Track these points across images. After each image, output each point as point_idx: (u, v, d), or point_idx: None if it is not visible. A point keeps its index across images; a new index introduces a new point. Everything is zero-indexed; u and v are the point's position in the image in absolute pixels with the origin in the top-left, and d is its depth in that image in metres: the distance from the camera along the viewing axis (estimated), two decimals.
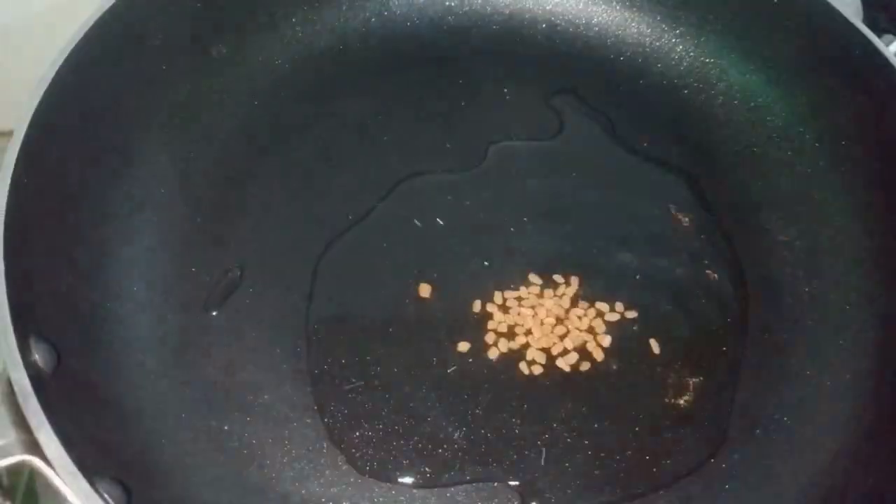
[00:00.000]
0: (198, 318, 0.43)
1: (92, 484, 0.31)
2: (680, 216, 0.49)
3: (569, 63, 0.54)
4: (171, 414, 0.40)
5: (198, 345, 0.42)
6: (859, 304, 0.44)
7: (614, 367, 0.43)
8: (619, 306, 0.45)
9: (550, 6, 0.55)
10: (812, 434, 0.41)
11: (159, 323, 0.42)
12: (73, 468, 0.31)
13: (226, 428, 0.40)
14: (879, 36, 0.48)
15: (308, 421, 0.41)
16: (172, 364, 0.41)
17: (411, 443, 0.40)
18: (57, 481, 0.30)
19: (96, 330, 0.40)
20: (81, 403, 0.36)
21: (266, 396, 0.41)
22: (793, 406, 0.42)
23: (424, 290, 0.45)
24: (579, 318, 0.45)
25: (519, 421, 0.41)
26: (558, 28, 0.54)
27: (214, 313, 0.43)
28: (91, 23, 0.42)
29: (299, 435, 0.40)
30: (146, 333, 0.42)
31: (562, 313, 0.45)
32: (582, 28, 0.54)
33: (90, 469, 0.32)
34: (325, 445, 0.40)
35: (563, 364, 0.43)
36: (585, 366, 0.43)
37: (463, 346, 0.43)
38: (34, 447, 0.31)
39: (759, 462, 0.40)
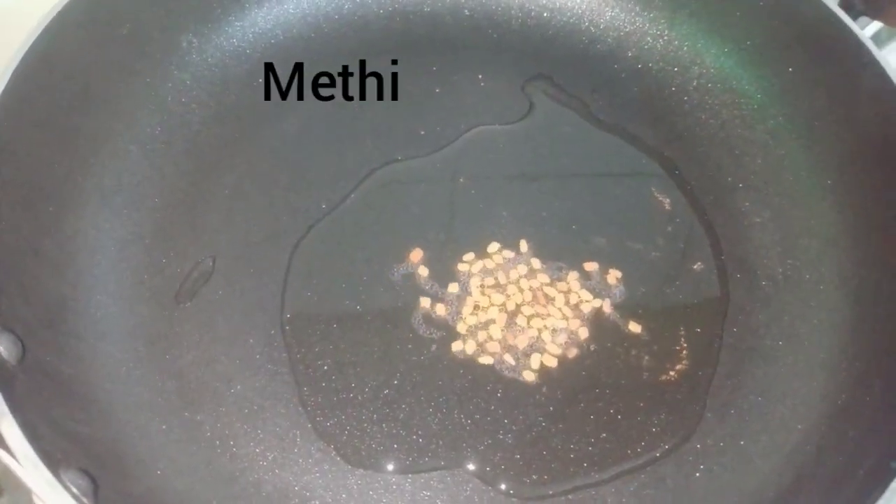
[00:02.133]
0: (169, 309, 0.43)
1: (56, 475, 0.31)
2: (656, 199, 0.49)
3: (543, 49, 0.54)
4: (143, 405, 0.40)
5: (169, 336, 0.42)
6: (833, 283, 0.44)
7: (590, 350, 0.43)
8: (595, 288, 0.45)
9: None
10: (786, 413, 0.41)
11: (130, 314, 0.42)
12: (35, 459, 0.30)
13: (198, 418, 0.40)
14: (855, 19, 0.48)
15: (282, 410, 0.41)
16: (144, 355, 0.41)
17: (386, 429, 0.40)
18: (19, 472, 0.30)
19: (65, 321, 0.40)
20: (49, 395, 0.36)
21: (239, 386, 0.41)
22: (767, 385, 0.42)
23: (416, 256, 0.45)
24: (555, 300, 0.45)
25: (493, 406, 0.41)
26: (532, 14, 0.54)
27: (187, 304, 0.43)
28: (56, 12, 0.42)
29: (272, 424, 0.40)
30: (116, 325, 0.41)
31: (539, 296, 0.45)
32: (556, 13, 0.54)
33: (56, 460, 0.32)
34: (298, 434, 0.40)
35: (538, 348, 0.43)
36: (561, 350, 0.43)
37: (437, 333, 0.43)
38: None
39: (733, 442, 0.40)
